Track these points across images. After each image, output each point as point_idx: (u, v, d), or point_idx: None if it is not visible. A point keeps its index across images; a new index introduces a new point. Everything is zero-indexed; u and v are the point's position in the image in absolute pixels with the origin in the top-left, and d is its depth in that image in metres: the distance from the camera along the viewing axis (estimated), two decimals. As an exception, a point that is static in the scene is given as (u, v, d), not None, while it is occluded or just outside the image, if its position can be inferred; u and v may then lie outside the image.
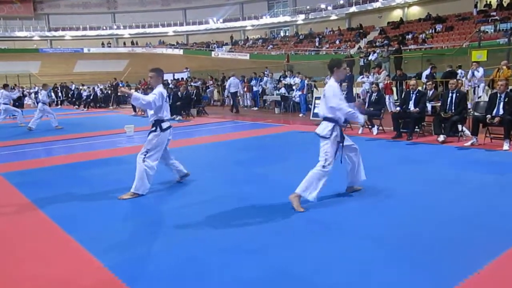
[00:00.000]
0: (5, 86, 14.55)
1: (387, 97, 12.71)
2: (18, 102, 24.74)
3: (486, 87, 12.55)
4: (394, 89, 13.90)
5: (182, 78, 24.64)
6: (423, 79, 13.15)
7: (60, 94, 27.78)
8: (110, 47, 51.98)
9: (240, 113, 16.07)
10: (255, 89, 18.07)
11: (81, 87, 25.77)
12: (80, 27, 51.54)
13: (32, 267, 3.33)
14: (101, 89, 24.78)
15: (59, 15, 51.42)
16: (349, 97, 10.53)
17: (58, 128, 12.93)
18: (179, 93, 15.88)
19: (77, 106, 23.65)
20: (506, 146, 7.08)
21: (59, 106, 25.73)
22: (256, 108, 17.84)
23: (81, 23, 51.30)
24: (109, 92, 23.95)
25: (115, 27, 52.54)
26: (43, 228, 4.22)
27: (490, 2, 31.01)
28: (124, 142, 10.10)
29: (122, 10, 52.10)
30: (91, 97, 23.28)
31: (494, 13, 28.39)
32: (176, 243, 3.70)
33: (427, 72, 13.83)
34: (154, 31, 51.63)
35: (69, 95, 26.58)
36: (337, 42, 36.59)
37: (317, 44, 37.73)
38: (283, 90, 15.96)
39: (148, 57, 46.76)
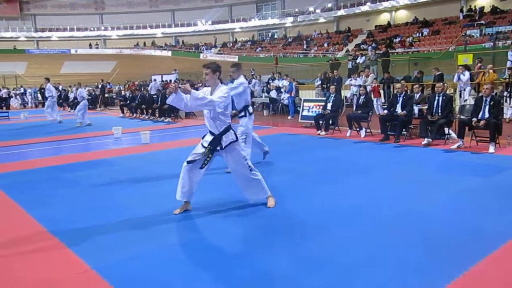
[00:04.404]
0: None
1: (374, 100, 12.84)
2: (4, 103, 24.42)
3: (472, 91, 12.71)
4: (382, 92, 14.03)
5: (171, 80, 24.56)
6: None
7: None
8: (97, 48, 51.60)
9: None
10: None
11: (68, 88, 25.43)
12: (67, 28, 51.02)
13: (19, 269, 3.28)
14: (88, 90, 24.50)
15: (46, 15, 50.87)
16: (337, 100, 10.54)
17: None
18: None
19: (69, 108, 23.12)
20: (491, 149, 7.18)
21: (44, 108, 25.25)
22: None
23: (68, 24, 50.82)
24: (97, 93, 23.72)
25: (102, 28, 52.15)
26: (30, 231, 4.15)
27: (475, 6, 31.48)
28: (112, 144, 10.02)
29: (109, 11, 51.74)
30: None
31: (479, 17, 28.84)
32: (165, 245, 3.67)
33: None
34: (142, 33, 51.36)
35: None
36: (325, 45, 36.81)
37: (305, 46, 37.91)
38: (274, 93, 15.95)
39: (136, 59, 46.52)
